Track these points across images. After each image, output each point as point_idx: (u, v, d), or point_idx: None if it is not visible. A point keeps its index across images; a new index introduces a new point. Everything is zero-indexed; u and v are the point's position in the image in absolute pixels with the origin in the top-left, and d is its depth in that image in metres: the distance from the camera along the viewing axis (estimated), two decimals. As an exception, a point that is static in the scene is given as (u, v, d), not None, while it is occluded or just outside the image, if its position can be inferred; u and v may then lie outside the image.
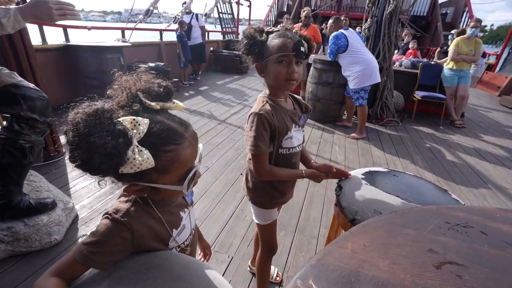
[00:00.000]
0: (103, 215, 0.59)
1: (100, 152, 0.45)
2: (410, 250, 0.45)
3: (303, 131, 1.09)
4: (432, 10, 10.59)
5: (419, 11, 10.51)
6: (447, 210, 0.60)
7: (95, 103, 0.49)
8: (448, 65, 4.38)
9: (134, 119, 0.50)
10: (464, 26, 7.90)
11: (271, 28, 0.96)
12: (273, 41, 0.91)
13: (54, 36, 4.23)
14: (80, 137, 0.46)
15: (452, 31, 5.84)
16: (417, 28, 9.68)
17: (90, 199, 2.03)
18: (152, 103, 0.54)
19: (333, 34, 3.54)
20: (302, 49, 0.89)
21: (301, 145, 1.09)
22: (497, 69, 8.22)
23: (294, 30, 0.95)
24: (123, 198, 0.63)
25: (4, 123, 1.79)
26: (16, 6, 1.22)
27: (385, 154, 3.20)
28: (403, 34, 6.52)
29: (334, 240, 0.48)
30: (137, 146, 0.49)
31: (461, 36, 4.29)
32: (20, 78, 1.48)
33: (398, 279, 0.39)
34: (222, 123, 3.78)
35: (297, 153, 1.08)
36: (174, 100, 0.59)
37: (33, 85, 1.53)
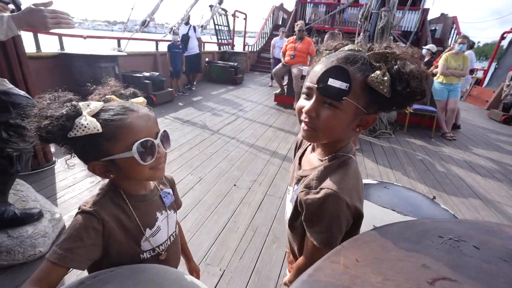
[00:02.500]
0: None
1: (53, 117, 0.54)
2: (403, 266, 0.45)
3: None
4: (422, 26, 10.94)
5: (409, 27, 10.83)
6: (440, 223, 0.59)
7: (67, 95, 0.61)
8: (438, 79, 4.49)
9: (88, 102, 0.60)
10: (452, 42, 8.16)
11: (348, 43, 0.65)
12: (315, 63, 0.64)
13: (49, 44, 4.22)
14: (39, 110, 0.56)
15: (427, 46, 6.01)
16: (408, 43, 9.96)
17: (78, 210, 1.97)
18: (112, 96, 0.65)
19: None
20: (332, 83, 0.55)
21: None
22: (485, 83, 8.46)
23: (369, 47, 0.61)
24: (95, 193, 0.66)
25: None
26: (10, 14, 1.21)
27: (378, 166, 3.22)
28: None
29: (326, 254, 0.47)
30: (85, 116, 0.56)
31: (450, 52, 4.43)
32: (10, 86, 1.46)
33: (391, 296, 0.39)
34: (215, 134, 3.77)
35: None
36: (135, 99, 0.68)
37: (23, 92, 1.51)
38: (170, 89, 5.25)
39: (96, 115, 0.58)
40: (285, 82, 5.95)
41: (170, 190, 0.80)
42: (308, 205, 0.58)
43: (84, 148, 0.59)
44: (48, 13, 1.21)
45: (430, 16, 11.45)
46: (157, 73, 5.03)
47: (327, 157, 0.65)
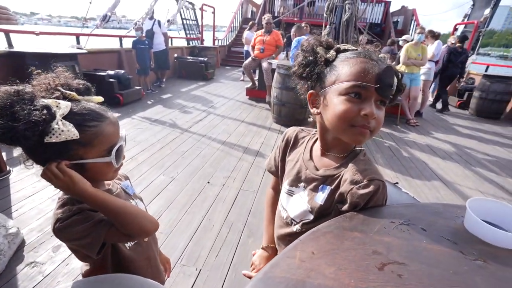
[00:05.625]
0: (58, 231, 0.61)
1: (25, 120, 0.50)
2: (355, 254, 0.46)
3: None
4: (385, 19, 11.40)
5: (374, 19, 11.24)
6: (394, 209, 0.62)
7: (16, 86, 0.54)
8: (400, 69, 4.73)
9: (56, 101, 0.56)
10: (412, 33, 8.58)
11: (345, 45, 0.66)
12: (346, 61, 0.62)
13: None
14: (2, 108, 0.50)
15: (403, 37, 6.32)
16: (373, 34, 10.34)
17: (40, 221, 1.85)
18: (72, 92, 0.60)
19: (295, 39, 3.66)
20: (393, 82, 0.59)
21: None
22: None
23: (380, 56, 0.64)
24: (58, 206, 0.64)
25: None
26: None
27: (348, 155, 3.34)
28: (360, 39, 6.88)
29: (283, 250, 0.48)
30: (61, 120, 0.55)
31: (410, 43, 4.66)
32: None
33: (343, 285, 0.40)
34: (187, 132, 3.69)
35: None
36: (93, 97, 0.66)
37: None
38: (138, 88, 5.04)
39: (66, 118, 0.56)
40: (256, 76, 5.95)
41: (128, 182, 0.85)
42: (362, 197, 0.59)
43: (53, 152, 0.57)
44: None
45: (392, 9, 11.96)
46: (123, 71, 4.80)
47: (346, 153, 0.68)
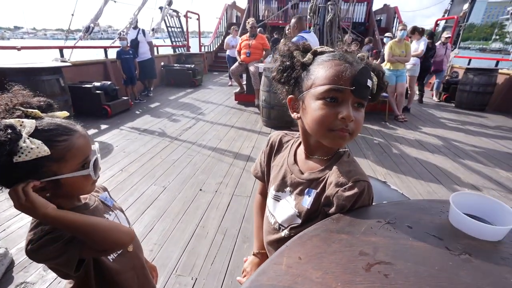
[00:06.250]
0: (31, 253, 0.60)
1: None
2: (342, 257, 0.46)
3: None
4: (368, 17, 11.62)
5: (357, 18, 11.44)
6: (380, 208, 0.63)
7: None
8: (385, 66, 4.81)
9: (19, 120, 0.55)
10: (395, 30, 8.77)
11: (322, 47, 0.66)
12: (322, 65, 0.61)
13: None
14: None
15: (387, 34, 6.46)
16: (357, 33, 10.53)
17: (29, 240, 1.80)
18: (35, 110, 0.59)
19: (293, 39, 3.60)
20: (367, 83, 0.59)
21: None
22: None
23: (359, 55, 0.64)
24: (31, 228, 0.63)
25: None
26: None
27: (339, 154, 3.37)
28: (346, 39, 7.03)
29: (269, 257, 0.48)
30: (28, 138, 0.53)
31: (393, 40, 4.75)
32: None
33: (329, 289, 0.40)
34: (176, 140, 3.66)
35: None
36: (57, 112, 0.65)
37: None
38: (125, 98, 4.99)
39: (33, 136, 0.55)
40: (244, 80, 5.97)
41: (106, 194, 0.83)
42: (348, 199, 0.59)
43: (23, 172, 0.55)
44: None
45: (375, 7, 12.21)
46: (109, 82, 4.75)
47: (330, 156, 0.68)
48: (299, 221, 0.67)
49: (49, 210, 0.56)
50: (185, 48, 9.93)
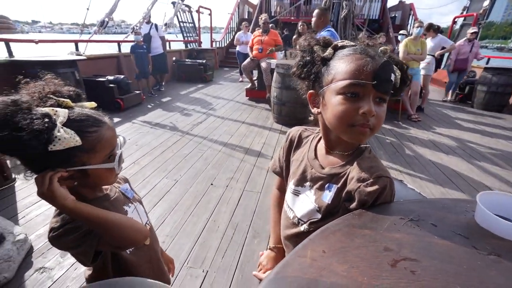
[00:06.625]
0: (53, 240, 0.62)
1: (28, 129, 0.50)
2: (367, 251, 0.46)
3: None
4: (383, 14, 11.38)
5: (372, 15, 11.22)
6: (402, 205, 0.62)
7: (11, 96, 0.53)
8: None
9: (53, 109, 0.56)
10: (411, 28, 8.57)
11: (343, 41, 0.65)
12: (342, 59, 0.60)
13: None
14: (3, 121, 0.49)
15: (401, 31, 6.30)
16: (371, 30, 10.35)
17: (47, 227, 1.84)
18: (66, 99, 0.60)
19: (323, 33, 3.29)
20: (391, 77, 0.58)
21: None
22: (442, 65, 8.99)
23: (381, 49, 0.62)
24: (55, 213, 0.65)
25: None
26: None
27: (350, 152, 3.34)
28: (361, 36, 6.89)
29: (293, 250, 0.48)
30: (62, 127, 0.54)
31: (409, 37, 4.64)
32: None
33: (356, 283, 0.40)
34: (188, 134, 3.70)
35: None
36: (86, 103, 0.66)
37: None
38: (138, 92, 5.05)
39: (65, 125, 0.56)
40: (255, 76, 5.95)
41: (127, 185, 0.84)
42: (370, 195, 0.58)
43: (56, 160, 0.57)
44: None
45: (389, 4, 11.95)
46: (122, 76, 4.81)
47: (351, 151, 0.67)
48: (319, 215, 0.67)
49: (67, 201, 0.57)
50: (196, 43, 9.97)
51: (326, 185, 0.66)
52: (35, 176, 0.58)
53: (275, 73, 4.22)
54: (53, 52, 5.07)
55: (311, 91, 0.68)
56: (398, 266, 0.43)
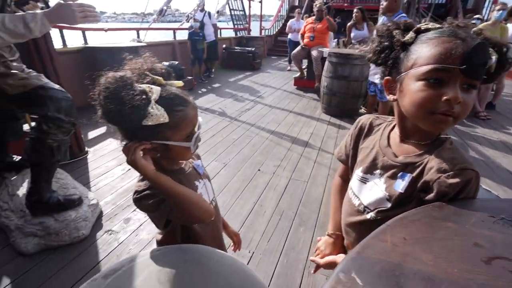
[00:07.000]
0: (135, 201, 0.69)
1: (129, 104, 0.55)
2: (453, 244, 0.43)
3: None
4: (452, -2, 10.13)
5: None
6: (487, 203, 0.57)
7: (119, 72, 0.60)
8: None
9: (148, 86, 0.60)
10: (487, 13, 7.51)
11: (427, 24, 0.59)
12: (426, 43, 0.56)
13: (73, 39, 4.35)
14: (112, 94, 0.56)
15: (476, 16, 5.57)
16: (436, 17, 9.32)
17: (113, 196, 2.09)
18: (159, 78, 0.64)
19: (394, 18, 2.94)
20: (485, 60, 0.51)
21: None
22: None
23: (474, 29, 0.57)
24: (139, 182, 0.71)
25: (32, 124, 1.86)
26: (42, 11, 1.26)
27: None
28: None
29: (371, 233, 0.47)
30: (155, 104, 0.59)
31: (485, 23, 4.08)
32: (46, 80, 1.54)
33: (445, 274, 0.38)
34: (236, 120, 3.79)
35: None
36: (175, 82, 0.69)
37: (58, 86, 1.59)
38: (190, 78, 5.29)
39: (157, 102, 0.60)
40: (304, 65, 5.82)
41: (199, 162, 0.87)
42: (452, 187, 0.54)
43: (145, 133, 0.62)
44: (77, 8, 1.25)
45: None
46: (177, 62, 5.07)
47: (429, 141, 0.63)
48: (388, 204, 0.65)
49: (148, 171, 0.62)
50: (246, 31, 10.02)
51: (399, 174, 0.64)
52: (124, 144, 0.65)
53: (326, 62, 4.08)
54: (118, 39, 5.54)
55: (387, 77, 0.65)
56: (493, 264, 0.40)
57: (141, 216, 1.87)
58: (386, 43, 0.63)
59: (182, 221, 0.75)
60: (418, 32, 0.59)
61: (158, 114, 0.59)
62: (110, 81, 0.56)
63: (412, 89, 0.57)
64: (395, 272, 0.38)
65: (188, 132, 0.68)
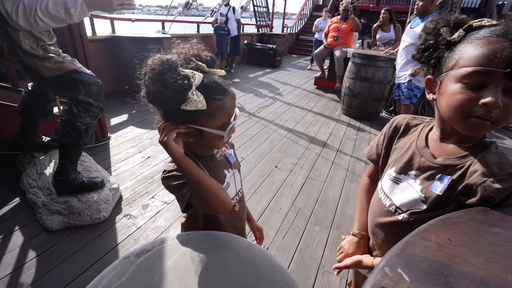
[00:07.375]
0: (162, 180, 0.71)
1: (171, 88, 0.56)
2: (505, 250, 0.41)
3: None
4: (486, 2, 9.68)
5: (470, 3, 9.66)
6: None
7: (166, 55, 0.60)
8: None
9: (192, 71, 0.61)
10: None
11: (481, 21, 0.56)
12: (472, 43, 0.53)
13: (102, 28, 4.48)
14: (156, 75, 0.57)
15: None
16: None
17: (132, 182, 2.14)
18: (203, 64, 0.65)
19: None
20: None
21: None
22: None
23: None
24: (169, 163, 0.71)
25: (62, 107, 1.93)
26: None
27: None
28: None
29: (412, 232, 0.45)
30: (195, 90, 0.59)
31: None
32: (79, 65, 1.59)
33: (499, 278, 0.36)
34: (255, 116, 3.79)
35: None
36: (217, 70, 0.70)
37: (90, 71, 1.63)
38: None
39: (197, 88, 0.61)
40: (325, 65, 5.73)
41: (232, 151, 0.87)
42: (499, 192, 0.52)
43: (182, 117, 0.63)
44: None
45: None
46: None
47: (472, 144, 0.60)
48: (423, 206, 0.62)
49: (176, 153, 0.63)
50: (268, 28, 9.98)
51: (438, 176, 0.61)
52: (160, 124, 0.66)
53: (350, 63, 4.00)
54: (143, 30, 5.65)
55: (429, 76, 0.63)
56: (550, 273, 0.37)
57: (158, 204, 1.91)
58: (431, 41, 0.61)
59: (199, 208, 0.75)
60: (469, 29, 0.56)
61: (197, 101, 0.59)
62: (156, 62, 0.57)
63: (449, 90, 0.55)
64: (443, 271, 0.36)
65: (224, 121, 0.67)
